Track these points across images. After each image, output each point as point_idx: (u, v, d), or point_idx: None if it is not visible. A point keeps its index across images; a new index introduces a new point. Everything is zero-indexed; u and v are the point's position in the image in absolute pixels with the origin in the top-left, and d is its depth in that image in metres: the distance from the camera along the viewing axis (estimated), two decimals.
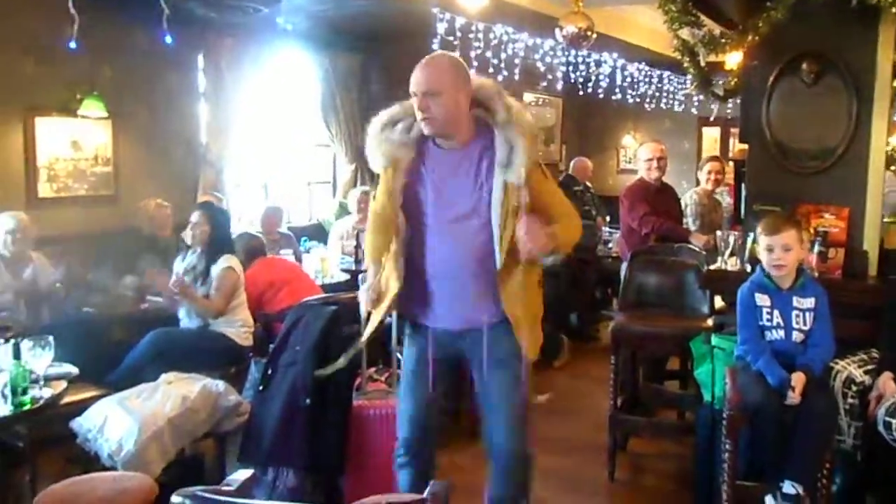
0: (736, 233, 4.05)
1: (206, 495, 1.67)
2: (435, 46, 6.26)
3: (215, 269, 4.48)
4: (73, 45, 4.47)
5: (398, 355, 3.99)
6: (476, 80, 2.82)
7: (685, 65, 4.12)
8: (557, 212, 2.81)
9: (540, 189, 2.75)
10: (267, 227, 6.33)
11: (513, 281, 2.77)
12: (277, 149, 7.74)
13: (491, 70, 7.15)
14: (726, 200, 6.54)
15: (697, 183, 6.15)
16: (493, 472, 2.89)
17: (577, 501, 4.01)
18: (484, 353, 2.81)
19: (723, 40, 3.76)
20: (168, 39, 4.44)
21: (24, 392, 2.81)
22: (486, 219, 2.74)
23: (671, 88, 9.94)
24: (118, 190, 5.94)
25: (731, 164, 7.24)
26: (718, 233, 4.14)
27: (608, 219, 8.48)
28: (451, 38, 6.48)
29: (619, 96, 9.54)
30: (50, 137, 5.49)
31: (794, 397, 3.00)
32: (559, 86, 8.91)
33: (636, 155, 5.77)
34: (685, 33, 3.97)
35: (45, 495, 2.76)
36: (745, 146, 4.42)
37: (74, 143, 5.65)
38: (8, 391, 2.75)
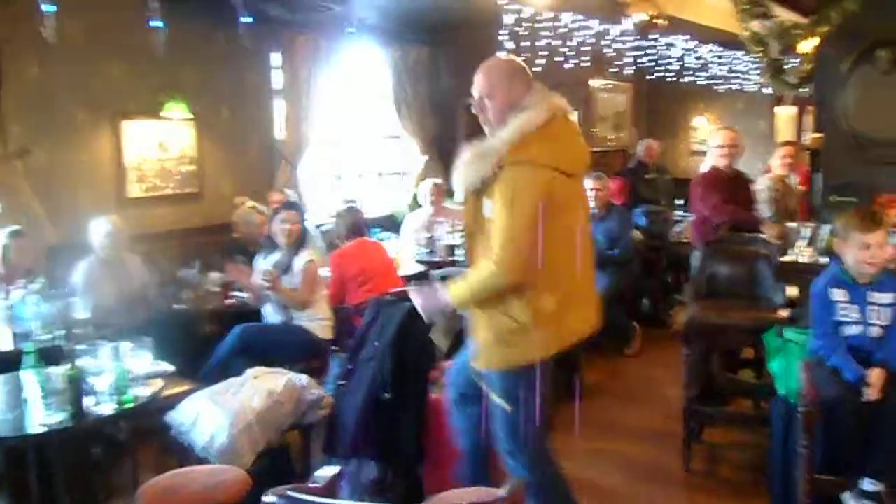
0: (811, 224, 4.01)
1: (297, 495, 1.78)
2: (503, 36, 6.31)
3: (298, 263, 4.66)
4: (159, 53, 4.64)
5: None
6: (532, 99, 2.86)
7: (756, 55, 4.08)
8: (493, 247, 2.79)
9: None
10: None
11: None
12: (350, 141, 7.90)
13: (559, 58, 7.16)
14: (795, 182, 6.43)
15: (769, 169, 6.06)
16: None
17: (653, 491, 4.05)
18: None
19: (794, 31, 3.73)
20: (243, 33, 4.62)
21: (125, 391, 3.01)
22: None
23: (744, 69, 9.72)
24: (202, 187, 6.21)
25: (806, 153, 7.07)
26: (793, 224, 4.10)
27: (680, 202, 8.41)
28: (519, 29, 6.50)
29: (690, 78, 9.40)
30: (137, 139, 5.75)
31: (871, 394, 3.00)
32: (629, 70, 8.84)
33: (710, 140, 5.70)
34: (756, 25, 3.94)
35: (148, 486, 2.95)
36: (821, 135, 4.36)
37: (160, 143, 5.91)
38: (111, 391, 2.95)
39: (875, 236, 3.20)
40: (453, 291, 2.88)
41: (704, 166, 5.94)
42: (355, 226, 5.22)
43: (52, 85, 5.25)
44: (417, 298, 2.95)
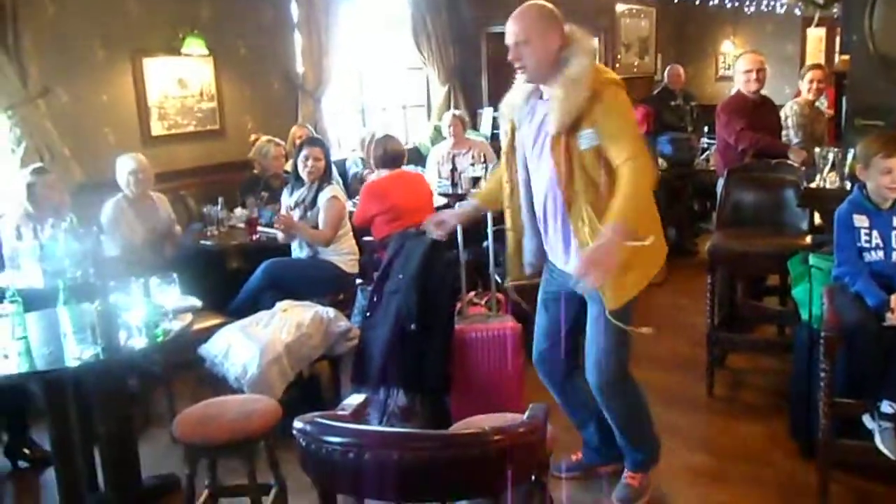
0: (836, 149, 3.95)
1: (325, 421, 1.83)
2: None
3: (321, 199, 4.67)
4: None
5: (496, 278, 4.15)
6: (572, 30, 2.88)
7: None
8: (620, 157, 2.75)
9: (600, 133, 2.78)
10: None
11: (584, 229, 2.85)
12: (372, 74, 7.85)
13: None
14: (824, 106, 6.29)
15: (798, 93, 5.94)
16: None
17: (676, 416, 4.10)
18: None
19: None
20: None
21: (156, 325, 3.08)
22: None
23: None
24: (224, 124, 6.22)
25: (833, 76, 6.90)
26: (817, 149, 4.04)
27: (706, 129, 8.34)
28: None
29: (716, 1, 9.15)
30: (157, 77, 5.76)
31: (893, 318, 3.00)
32: None
33: (734, 64, 5.55)
34: None
35: (184, 416, 3.05)
36: (847, 57, 4.26)
37: (180, 80, 5.91)
38: (142, 325, 3.03)
39: None
40: (614, 216, 2.62)
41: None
42: (388, 155, 4.95)
43: (69, 24, 5.24)
44: (595, 272, 2.52)
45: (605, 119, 2.76)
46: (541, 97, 2.96)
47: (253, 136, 5.94)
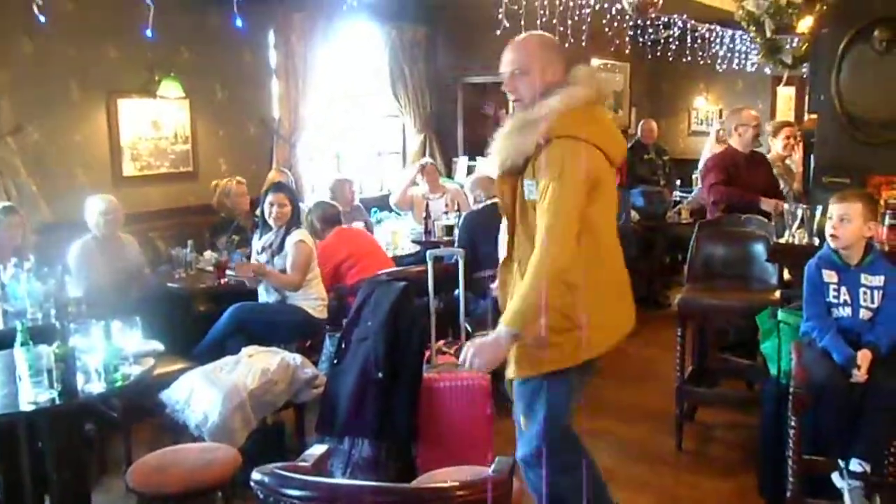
0: (804, 205, 4.00)
1: (284, 472, 1.78)
2: (500, 15, 6.26)
3: (289, 243, 4.64)
4: (148, 33, 4.54)
5: (467, 327, 4.12)
6: (581, 71, 2.68)
7: (752, 34, 4.06)
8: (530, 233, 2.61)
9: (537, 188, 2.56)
10: (341, 199, 6.31)
11: (509, 286, 2.72)
12: (348, 120, 7.87)
13: (557, 38, 7.10)
14: (796, 164, 6.37)
15: (768, 150, 6.01)
16: None
17: (645, 470, 4.07)
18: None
19: (789, 10, 3.71)
20: (238, 23, 4.47)
21: (116, 370, 3.01)
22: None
23: (743, 48, 9.67)
24: (197, 167, 6.18)
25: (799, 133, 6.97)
26: (786, 206, 4.09)
27: (678, 183, 8.45)
28: (516, 7, 6.44)
29: (689, 58, 9.35)
30: (131, 118, 5.73)
31: (859, 375, 3.01)
32: (627, 50, 8.79)
33: (729, 120, 5.35)
34: (750, 4, 3.92)
35: (138, 465, 2.98)
36: (815, 116, 4.34)
37: (155, 122, 5.88)
38: (101, 370, 2.95)
39: (836, 208, 3.22)
40: (506, 318, 2.50)
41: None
42: (326, 217, 5.10)
43: (45, 62, 5.20)
44: (474, 358, 2.49)
45: (542, 178, 2.52)
46: None
47: (214, 182, 5.89)
